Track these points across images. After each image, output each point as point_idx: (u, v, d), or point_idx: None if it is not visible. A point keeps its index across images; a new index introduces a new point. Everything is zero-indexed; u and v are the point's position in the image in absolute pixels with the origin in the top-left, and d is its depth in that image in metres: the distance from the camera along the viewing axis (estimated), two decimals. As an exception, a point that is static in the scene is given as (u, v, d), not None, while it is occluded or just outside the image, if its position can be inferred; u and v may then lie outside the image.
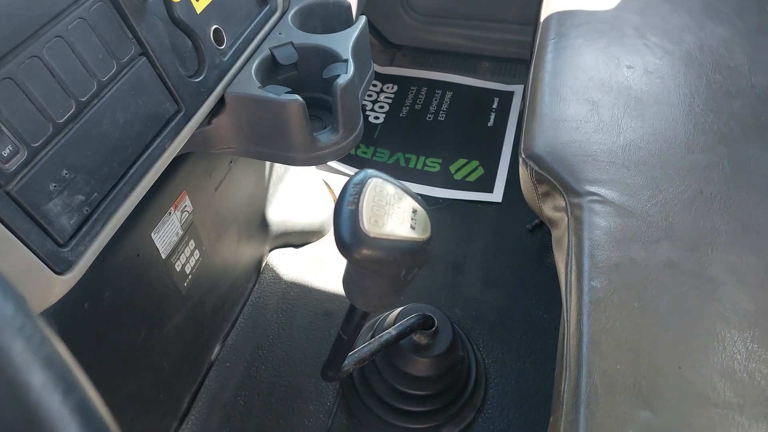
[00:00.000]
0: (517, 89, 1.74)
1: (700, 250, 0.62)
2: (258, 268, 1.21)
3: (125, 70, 0.61)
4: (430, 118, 1.66)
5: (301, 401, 1.00)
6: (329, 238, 1.31)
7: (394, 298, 0.59)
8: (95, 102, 0.57)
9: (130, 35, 0.62)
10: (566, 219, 0.68)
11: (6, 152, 0.49)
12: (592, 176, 0.70)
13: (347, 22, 0.93)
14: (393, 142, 1.59)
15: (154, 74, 0.65)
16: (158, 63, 0.65)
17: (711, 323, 0.54)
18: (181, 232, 0.90)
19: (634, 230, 0.63)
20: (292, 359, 1.07)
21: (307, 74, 0.86)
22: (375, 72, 0.93)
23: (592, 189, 0.68)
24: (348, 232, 0.46)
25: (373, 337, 0.92)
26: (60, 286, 0.54)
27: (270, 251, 1.25)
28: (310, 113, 0.77)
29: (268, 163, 1.21)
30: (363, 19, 0.89)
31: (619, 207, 0.66)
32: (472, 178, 1.45)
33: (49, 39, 0.53)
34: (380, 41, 1.88)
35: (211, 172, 0.97)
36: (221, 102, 0.76)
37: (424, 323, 0.90)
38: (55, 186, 0.53)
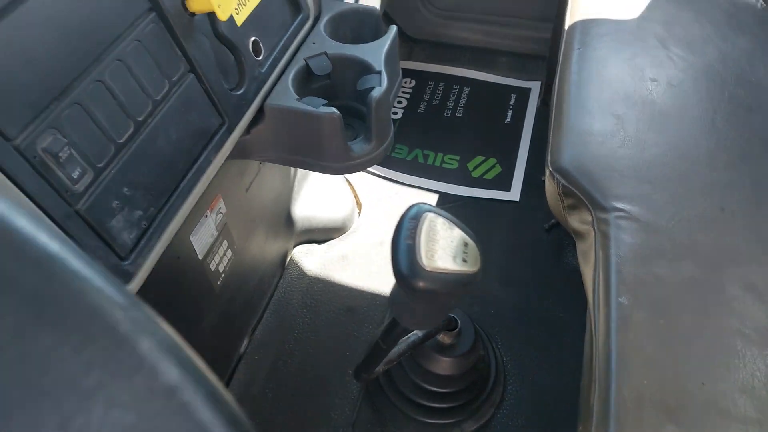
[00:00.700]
0: (534, 86, 1.76)
1: (722, 267, 0.65)
2: (283, 263, 1.25)
3: (175, 88, 0.64)
4: (447, 114, 1.68)
5: (327, 395, 1.05)
6: (351, 234, 1.34)
7: (438, 319, 0.63)
8: (150, 121, 0.60)
9: (179, 53, 0.65)
10: (593, 233, 0.71)
11: (76, 174, 0.52)
12: (618, 192, 0.73)
13: (377, 30, 0.95)
14: (411, 138, 1.61)
15: (201, 90, 0.68)
16: (205, 79, 0.68)
17: (732, 340, 0.58)
18: (215, 233, 0.94)
19: (658, 247, 0.67)
20: (317, 353, 1.11)
21: (340, 83, 0.89)
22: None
23: (619, 204, 0.71)
24: (406, 265, 0.50)
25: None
26: (122, 298, 0.57)
27: (294, 247, 1.29)
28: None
29: (293, 162, 1.24)
30: (394, 29, 0.91)
31: (644, 223, 0.69)
32: (489, 176, 1.48)
33: (110, 63, 0.56)
34: (398, 35, 1.89)
35: (242, 175, 1.00)
36: (260, 113, 0.79)
37: (448, 324, 0.94)
38: (117, 203, 0.56)
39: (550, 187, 0.81)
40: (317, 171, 0.85)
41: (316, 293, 1.22)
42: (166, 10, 0.62)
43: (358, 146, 0.83)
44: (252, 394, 1.05)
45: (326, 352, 1.11)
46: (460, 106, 1.70)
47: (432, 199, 1.43)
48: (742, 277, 0.64)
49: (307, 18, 0.90)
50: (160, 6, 0.61)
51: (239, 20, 0.75)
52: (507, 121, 1.65)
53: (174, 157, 0.64)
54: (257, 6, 0.77)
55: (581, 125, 0.83)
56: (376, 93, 0.78)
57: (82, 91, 0.53)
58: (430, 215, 0.54)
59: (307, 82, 0.86)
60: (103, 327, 0.17)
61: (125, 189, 0.57)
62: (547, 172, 0.80)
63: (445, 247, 0.52)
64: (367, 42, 0.89)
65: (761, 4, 1.02)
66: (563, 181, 0.77)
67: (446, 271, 0.51)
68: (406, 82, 1.79)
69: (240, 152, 0.82)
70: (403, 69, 1.88)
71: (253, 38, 0.77)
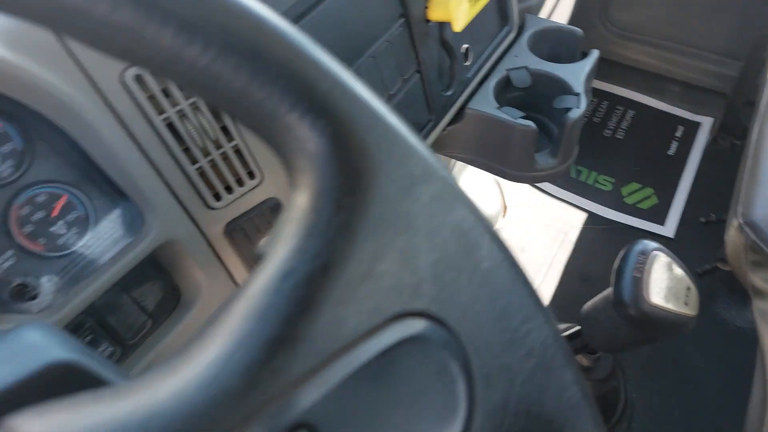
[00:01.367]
0: (706, 121, 1.67)
1: None
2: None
3: (405, 85, 0.71)
4: (607, 133, 1.65)
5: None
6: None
7: (627, 349, 0.66)
8: None
9: (413, 55, 0.72)
10: (779, 294, 0.69)
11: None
12: (817, 257, 0.70)
13: (575, 51, 0.97)
14: (565, 153, 1.60)
15: (421, 89, 0.75)
16: (426, 79, 0.75)
17: None
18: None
19: None
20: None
21: (533, 97, 0.92)
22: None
23: (815, 271, 0.69)
24: (630, 295, 0.54)
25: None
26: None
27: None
28: (530, 134, 0.83)
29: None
30: (596, 53, 0.92)
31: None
32: (644, 205, 1.44)
33: (366, 59, 0.64)
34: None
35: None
36: (459, 114, 0.85)
37: (587, 346, 0.95)
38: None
39: (735, 239, 0.79)
40: (498, 175, 0.90)
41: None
42: (412, 18, 0.69)
43: (543, 159, 0.86)
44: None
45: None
46: (622, 128, 1.66)
47: (580, 217, 1.42)
48: None
49: (511, 30, 0.94)
50: (409, 14, 0.68)
51: (459, 28, 0.81)
52: (670, 152, 1.59)
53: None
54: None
55: (781, 180, 0.80)
56: (573, 114, 0.81)
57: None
58: (660, 254, 0.57)
59: (504, 92, 0.91)
60: None
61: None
62: (736, 224, 0.79)
63: (670, 287, 0.55)
64: (562, 59, 0.92)
65: None
66: (753, 236, 0.75)
67: (667, 310, 0.54)
68: (568, 96, 1.78)
69: (432, 147, 0.89)
70: (565, 81, 1.87)
71: (466, 45, 0.83)
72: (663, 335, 0.58)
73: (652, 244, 0.58)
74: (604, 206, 1.45)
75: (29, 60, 0.38)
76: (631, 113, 1.71)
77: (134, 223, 0.48)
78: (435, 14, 0.71)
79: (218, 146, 0.49)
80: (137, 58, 0.17)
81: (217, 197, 0.51)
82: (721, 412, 1.06)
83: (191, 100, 0.47)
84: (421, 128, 0.77)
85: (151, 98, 0.45)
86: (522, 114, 0.83)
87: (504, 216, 1.43)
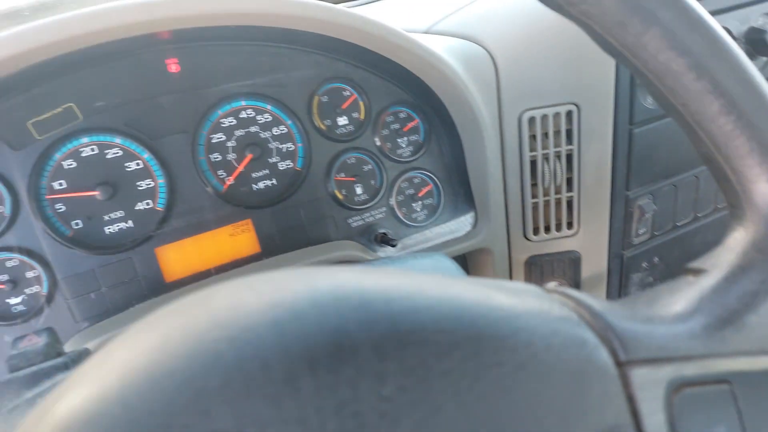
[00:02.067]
0: None
1: None
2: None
3: None
4: None
5: None
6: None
7: None
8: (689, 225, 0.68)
9: None
10: None
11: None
12: None
13: None
14: None
15: None
16: None
17: None
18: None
19: None
20: None
21: None
22: None
23: None
24: None
25: None
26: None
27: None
28: None
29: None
30: None
31: None
32: None
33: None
34: None
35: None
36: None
37: None
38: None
39: None
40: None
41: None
42: None
43: None
44: None
45: None
46: None
47: None
48: None
49: None
50: None
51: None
52: None
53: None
54: None
55: None
56: None
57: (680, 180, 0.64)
58: None
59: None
60: None
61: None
62: None
63: None
64: None
65: None
66: None
67: None
68: None
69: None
70: None
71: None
72: None
73: None
74: None
75: (470, 78, 0.51)
76: None
77: (468, 224, 0.58)
78: None
79: (557, 192, 0.57)
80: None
81: (536, 232, 0.59)
82: None
83: (557, 149, 0.55)
84: None
85: (532, 137, 0.54)
86: None
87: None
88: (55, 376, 0.28)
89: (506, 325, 0.14)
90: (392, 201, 0.57)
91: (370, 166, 0.57)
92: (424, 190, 0.58)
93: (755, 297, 0.20)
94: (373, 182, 0.57)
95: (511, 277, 0.62)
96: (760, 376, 0.18)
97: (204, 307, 0.15)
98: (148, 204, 0.48)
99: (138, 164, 0.48)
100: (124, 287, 0.47)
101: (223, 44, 0.50)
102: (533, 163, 0.55)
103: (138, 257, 0.48)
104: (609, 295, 0.66)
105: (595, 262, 0.62)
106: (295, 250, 0.53)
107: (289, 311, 0.14)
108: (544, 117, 0.54)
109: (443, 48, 0.51)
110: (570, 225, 0.59)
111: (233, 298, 0.15)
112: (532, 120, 0.53)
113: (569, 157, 0.56)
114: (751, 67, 0.22)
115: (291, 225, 0.54)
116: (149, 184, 0.48)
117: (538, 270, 0.61)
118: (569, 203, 0.58)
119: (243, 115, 0.52)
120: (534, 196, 0.57)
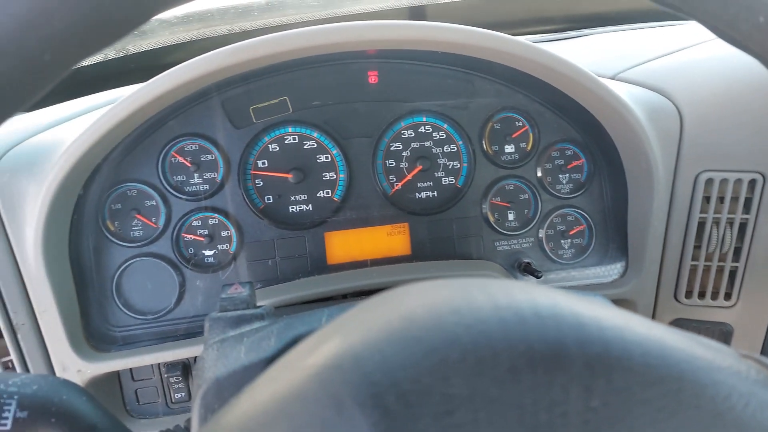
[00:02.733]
0: None
1: None
2: None
3: None
4: None
5: None
6: None
7: None
8: None
9: None
10: None
11: None
12: None
13: None
14: None
15: None
16: None
17: None
18: None
19: None
20: None
21: None
22: None
23: None
24: None
25: None
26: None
27: None
28: None
29: None
30: None
31: None
32: None
33: None
34: None
35: None
36: None
37: None
38: None
39: None
40: None
41: None
42: None
43: None
44: None
45: None
46: None
47: None
48: None
49: None
50: None
51: None
52: None
53: None
54: None
55: None
56: None
57: None
58: None
59: None
60: None
61: None
62: None
63: None
64: None
65: None
66: None
67: None
68: None
69: None
70: None
71: None
72: None
73: None
74: None
75: (652, 129, 0.51)
76: None
77: (616, 272, 0.58)
78: None
79: (722, 260, 0.55)
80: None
81: (688, 295, 0.57)
82: None
83: (731, 215, 0.53)
84: None
85: (705, 199, 0.53)
86: None
87: None
88: (253, 322, 0.34)
89: (707, 375, 0.16)
90: (541, 233, 0.59)
91: (526, 196, 0.59)
92: (576, 229, 0.59)
93: None
94: (526, 211, 0.59)
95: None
96: None
97: (440, 295, 0.18)
98: (327, 193, 0.55)
99: (327, 158, 0.54)
100: (294, 261, 0.54)
101: (418, 64, 0.55)
102: (701, 225, 0.53)
103: (310, 237, 0.54)
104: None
105: (750, 339, 0.58)
106: (443, 260, 0.57)
107: (515, 315, 0.17)
108: (724, 181, 0.52)
109: (627, 95, 0.51)
110: (728, 296, 0.56)
111: (465, 292, 0.18)
112: (709, 181, 0.52)
113: (742, 226, 0.53)
114: None
115: (442, 236, 0.57)
116: (332, 176, 0.55)
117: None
118: (732, 273, 0.55)
119: (421, 129, 0.56)
120: (695, 258, 0.55)
